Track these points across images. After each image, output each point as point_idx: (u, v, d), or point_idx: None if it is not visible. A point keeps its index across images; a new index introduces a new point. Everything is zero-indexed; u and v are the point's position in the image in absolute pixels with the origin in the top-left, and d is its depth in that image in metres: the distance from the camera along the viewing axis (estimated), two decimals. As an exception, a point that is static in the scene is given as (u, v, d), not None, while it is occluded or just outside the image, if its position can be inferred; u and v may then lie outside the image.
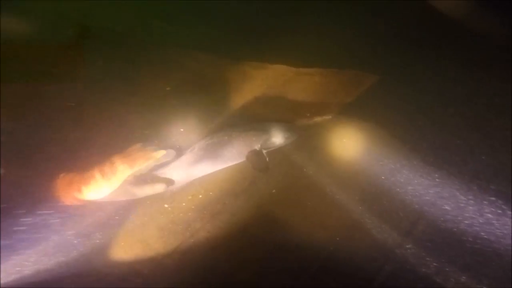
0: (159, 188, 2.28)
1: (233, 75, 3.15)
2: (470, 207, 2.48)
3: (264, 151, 2.53)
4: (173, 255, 2.03)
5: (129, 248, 2.07)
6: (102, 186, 2.00)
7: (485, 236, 2.29)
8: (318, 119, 2.86)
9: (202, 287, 1.96)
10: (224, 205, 2.30)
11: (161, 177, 2.34)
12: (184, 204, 2.32)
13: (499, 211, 2.41)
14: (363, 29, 3.61)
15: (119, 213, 2.22)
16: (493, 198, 2.47)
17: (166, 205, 2.28)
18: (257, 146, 2.52)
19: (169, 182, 2.36)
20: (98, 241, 2.04)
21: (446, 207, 2.49)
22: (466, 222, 2.40)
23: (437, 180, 2.58)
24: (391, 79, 3.09)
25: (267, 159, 2.51)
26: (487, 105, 3.00)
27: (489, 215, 2.40)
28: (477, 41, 3.19)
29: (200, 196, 2.37)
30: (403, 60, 3.29)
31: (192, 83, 3.05)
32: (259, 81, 3.10)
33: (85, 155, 2.25)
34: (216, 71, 3.15)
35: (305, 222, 2.31)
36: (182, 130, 2.69)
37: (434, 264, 2.22)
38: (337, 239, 2.28)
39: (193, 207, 2.29)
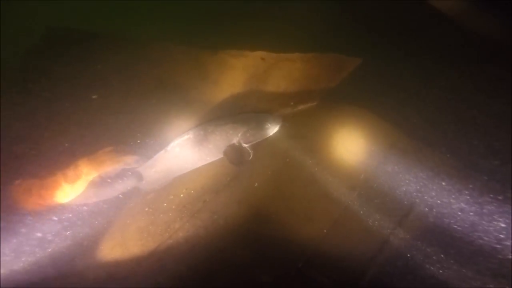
0: (128, 185, 2.25)
1: (212, 66, 3.02)
2: (464, 196, 2.37)
3: (244, 145, 2.45)
4: (150, 257, 1.98)
5: (108, 251, 2.03)
6: (66, 190, 1.97)
7: (479, 227, 2.18)
8: (302, 106, 2.74)
9: (180, 289, 1.91)
10: (205, 202, 2.23)
11: (130, 174, 2.30)
12: (165, 204, 2.26)
13: (492, 201, 2.30)
14: (343, 11, 3.49)
15: (102, 215, 2.20)
16: (486, 188, 2.37)
17: (146, 208, 2.23)
18: (235, 140, 2.44)
19: (138, 178, 2.32)
20: (78, 243, 2.02)
21: (437, 198, 2.40)
22: (458, 213, 2.30)
23: (429, 166, 2.47)
24: (374, 61, 2.93)
25: (250, 152, 2.44)
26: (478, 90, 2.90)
27: (483, 205, 2.29)
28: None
29: (182, 195, 2.31)
30: (384, 41, 3.16)
31: (169, 79, 2.95)
32: (239, 71, 2.97)
33: (46, 160, 2.23)
34: (193, 63, 3.03)
35: (290, 215, 2.22)
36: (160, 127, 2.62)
37: (425, 255, 2.14)
38: (324, 231, 2.20)
39: (173, 207, 2.23)
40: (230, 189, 2.30)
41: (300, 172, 2.41)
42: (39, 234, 1.95)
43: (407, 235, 2.24)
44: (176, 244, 2.01)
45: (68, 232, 2.04)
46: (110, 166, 2.07)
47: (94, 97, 2.77)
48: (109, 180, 2.14)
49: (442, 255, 2.18)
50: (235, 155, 2.35)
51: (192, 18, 3.52)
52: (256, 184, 2.32)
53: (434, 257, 2.17)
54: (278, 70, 2.90)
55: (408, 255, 2.18)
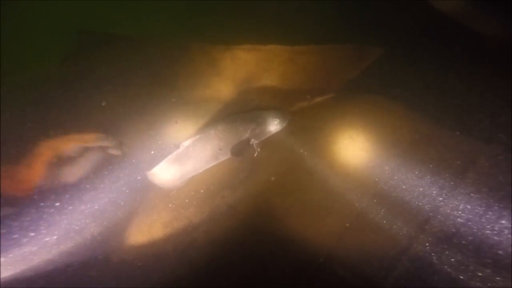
0: (95, 163, 2.40)
1: (226, 62, 3.08)
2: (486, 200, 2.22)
3: (254, 141, 2.48)
4: (174, 250, 2.12)
5: (137, 245, 2.20)
6: (30, 173, 2.12)
7: (499, 241, 2.06)
8: (319, 99, 2.72)
9: (201, 283, 2.04)
10: (223, 198, 2.33)
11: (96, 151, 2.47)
12: (187, 200, 2.38)
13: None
14: (362, 7, 3.33)
15: (125, 208, 2.38)
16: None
17: (170, 205, 2.38)
18: (245, 137, 2.48)
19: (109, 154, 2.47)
20: (101, 235, 2.22)
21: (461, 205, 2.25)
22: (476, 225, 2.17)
23: (455, 175, 2.32)
24: (396, 52, 2.83)
25: (258, 149, 2.48)
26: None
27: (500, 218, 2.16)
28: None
29: (202, 191, 2.42)
30: (407, 32, 3.00)
31: (181, 75, 3.04)
32: (253, 66, 3.00)
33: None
34: (207, 60, 3.10)
35: (307, 210, 2.25)
36: (172, 127, 2.74)
37: (446, 263, 2.07)
38: (346, 225, 2.18)
39: (194, 202, 2.35)
40: (247, 184, 2.37)
41: (318, 165, 2.42)
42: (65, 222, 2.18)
43: (432, 234, 2.16)
44: (197, 237, 2.14)
45: (93, 224, 2.25)
46: (70, 146, 2.20)
47: (103, 104, 2.92)
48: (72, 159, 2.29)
49: (465, 258, 2.09)
50: (238, 148, 2.42)
51: (204, 13, 3.54)
52: (273, 178, 2.37)
53: (458, 260, 2.10)
54: (293, 64, 2.88)
55: (433, 254, 2.11)
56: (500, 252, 2.03)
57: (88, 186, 2.36)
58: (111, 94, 3.03)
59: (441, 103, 2.67)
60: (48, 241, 2.11)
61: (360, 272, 2.07)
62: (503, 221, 2.12)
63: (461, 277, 2.00)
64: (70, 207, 2.26)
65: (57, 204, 2.22)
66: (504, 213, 2.14)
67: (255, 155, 2.42)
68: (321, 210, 2.25)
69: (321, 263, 2.08)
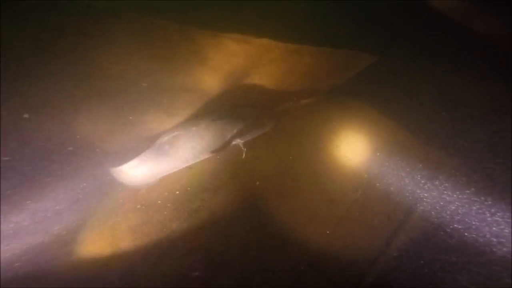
0: None
1: (211, 50, 2.81)
2: (466, 196, 2.33)
3: (239, 142, 2.30)
4: (145, 259, 1.84)
5: (98, 251, 1.87)
6: None
7: (481, 227, 2.16)
8: (305, 101, 2.60)
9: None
10: (203, 201, 2.09)
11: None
12: (159, 202, 2.11)
13: (494, 202, 2.27)
14: (361, 8, 3.31)
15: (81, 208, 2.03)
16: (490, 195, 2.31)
17: (138, 206, 2.07)
18: (229, 136, 2.29)
19: None
20: (61, 239, 1.86)
21: (439, 198, 2.35)
22: (460, 212, 2.26)
23: (432, 166, 2.42)
24: (387, 60, 2.82)
25: (244, 150, 2.30)
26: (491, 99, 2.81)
27: (485, 205, 2.26)
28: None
29: (177, 192, 2.15)
30: (400, 40, 3.00)
31: (163, 61, 2.71)
32: (241, 59, 2.77)
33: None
34: (190, 45, 2.80)
35: (292, 215, 2.13)
36: (144, 116, 2.43)
37: (428, 258, 2.10)
38: (327, 232, 2.12)
39: (169, 205, 2.08)
40: (230, 188, 2.17)
41: (303, 170, 2.31)
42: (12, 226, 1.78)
43: (410, 236, 2.19)
44: (173, 245, 1.88)
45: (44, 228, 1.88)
46: None
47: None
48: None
49: (445, 256, 2.15)
50: (229, 155, 2.22)
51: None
52: (258, 183, 2.20)
53: (437, 258, 2.15)
54: (284, 63, 2.71)
55: (411, 257, 2.14)
56: (486, 248, 2.11)
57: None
58: (70, 71, 2.60)
59: (421, 114, 2.72)
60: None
61: (340, 277, 2.02)
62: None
63: (443, 277, 2.05)
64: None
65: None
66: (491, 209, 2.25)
67: (243, 156, 2.23)
68: (305, 217, 2.16)
69: (303, 270, 1.98)
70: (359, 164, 2.42)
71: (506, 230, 2.16)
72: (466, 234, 2.19)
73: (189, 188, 2.16)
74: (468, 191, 2.34)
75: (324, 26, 2.96)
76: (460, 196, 2.33)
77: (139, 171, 2.15)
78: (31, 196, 1.90)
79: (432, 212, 2.29)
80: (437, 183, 2.39)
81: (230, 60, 2.73)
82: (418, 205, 2.30)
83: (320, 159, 2.38)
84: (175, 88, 2.64)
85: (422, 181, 2.40)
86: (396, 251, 2.16)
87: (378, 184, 2.37)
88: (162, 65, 2.76)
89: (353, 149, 2.49)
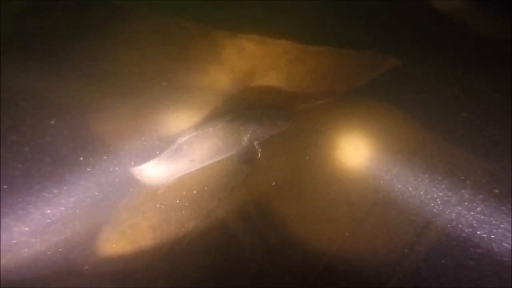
0: None
1: (229, 51, 2.82)
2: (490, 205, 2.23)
3: (254, 142, 2.30)
4: (166, 257, 1.89)
5: (120, 249, 1.94)
6: None
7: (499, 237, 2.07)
8: (322, 101, 2.56)
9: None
10: (220, 201, 2.12)
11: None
12: (177, 201, 2.15)
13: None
14: (381, 9, 3.17)
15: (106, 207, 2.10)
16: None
17: (158, 205, 2.13)
18: (245, 137, 2.29)
19: None
20: (82, 238, 1.94)
21: (467, 203, 2.25)
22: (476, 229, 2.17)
23: (462, 176, 2.31)
24: (409, 61, 2.72)
25: (259, 150, 2.30)
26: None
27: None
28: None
29: (195, 192, 2.19)
30: (422, 42, 2.87)
31: (182, 60, 2.74)
32: (258, 60, 2.77)
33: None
34: (209, 46, 2.82)
35: (310, 217, 2.11)
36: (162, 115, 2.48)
37: (452, 264, 2.03)
38: (346, 234, 2.08)
39: (186, 204, 2.12)
40: (246, 188, 2.18)
41: (321, 171, 2.28)
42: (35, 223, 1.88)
43: (434, 240, 2.13)
44: (191, 244, 1.92)
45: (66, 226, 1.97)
46: None
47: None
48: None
49: (470, 262, 2.08)
50: (245, 156, 2.23)
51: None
52: (274, 183, 2.20)
53: (462, 264, 2.07)
54: (303, 65, 2.66)
55: (434, 262, 2.08)
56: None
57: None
58: (90, 70, 2.69)
59: (445, 116, 2.62)
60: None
61: (360, 281, 1.99)
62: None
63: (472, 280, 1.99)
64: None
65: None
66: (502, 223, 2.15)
67: (259, 156, 2.23)
68: (322, 218, 2.13)
69: (321, 272, 1.96)
70: (378, 165, 2.36)
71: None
72: (492, 241, 2.11)
73: (206, 188, 2.20)
74: (493, 195, 2.24)
75: (345, 27, 2.88)
76: (485, 201, 2.23)
77: (158, 170, 2.20)
78: (53, 193, 1.99)
79: (457, 216, 2.21)
80: (461, 186, 2.30)
81: (248, 60, 2.74)
82: (442, 208, 2.22)
83: (338, 159, 2.34)
84: (193, 88, 2.68)
85: (445, 184, 2.32)
86: (419, 255, 2.10)
87: (399, 186, 2.30)
88: (181, 64, 2.80)
89: (372, 149, 2.43)
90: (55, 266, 1.81)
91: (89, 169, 2.20)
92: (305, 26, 2.88)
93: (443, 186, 2.30)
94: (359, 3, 3.10)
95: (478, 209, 2.21)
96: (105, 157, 2.28)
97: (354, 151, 2.42)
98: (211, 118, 2.41)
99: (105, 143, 2.35)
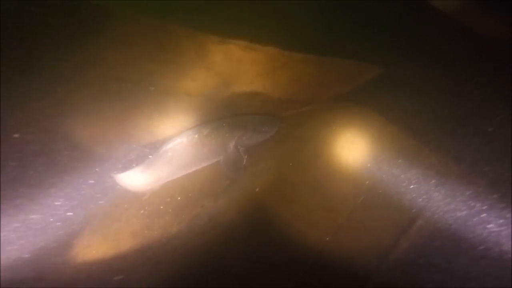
0: None
1: (218, 56, 2.84)
2: (469, 203, 2.30)
3: (240, 149, 2.32)
4: (146, 263, 1.92)
5: (101, 255, 1.95)
6: None
7: (486, 238, 2.13)
8: (307, 108, 2.60)
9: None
10: (203, 207, 2.14)
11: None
12: (161, 207, 2.17)
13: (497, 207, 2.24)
14: (367, 19, 3.18)
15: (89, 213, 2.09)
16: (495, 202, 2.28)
17: (142, 211, 2.14)
18: (231, 144, 2.31)
19: None
20: (63, 243, 1.94)
21: (443, 205, 2.32)
22: (463, 219, 2.24)
23: (439, 178, 2.37)
24: (396, 68, 2.75)
25: (245, 157, 2.33)
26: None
27: (490, 212, 2.23)
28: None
29: (179, 198, 2.21)
30: (410, 47, 2.86)
31: (163, 61, 2.73)
32: (246, 66, 2.79)
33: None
34: (197, 50, 2.82)
35: (292, 222, 2.15)
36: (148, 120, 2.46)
37: (433, 268, 2.09)
38: (326, 239, 2.13)
39: (170, 210, 2.14)
40: (230, 194, 2.20)
41: (303, 177, 2.32)
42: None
43: (413, 244, 2.18)
44: (172, 250, 1.94)
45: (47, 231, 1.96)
46: None
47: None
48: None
49: (447, 263, 2.14)
50: (232, 161, 2.25)
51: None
52: (257, 189, 2.23)
53: (441, 266, 2.13)
54: (289, 72, 2.68)
55: (414, 265, 2.14)
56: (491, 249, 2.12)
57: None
58: (75, 74, 2.67)
59: (429, 122, 2.67)
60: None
61: (341, 285, 2.06)
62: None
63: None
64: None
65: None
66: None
67: (244, 163, 2.26)
68: (304, 223, 2.18)
69: (302, 277, 2.01)
70: (361, 170, 2.41)
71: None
72: (472, 241, 2.17)
73: (190, 194, 2.22)
74: (473, 198, 2.30)
75: (332, 35, 2.89)
76: (466, 203, 2.29)
77: (143, 177, 2.21)
78: (34, 199, 1.99)
79: (437, 219, 2.27)
80: (442, 190, 2.36)
81: (236, 66, 2.76)
82: (422, 212, 2.28)
83: (321, 165, 2.39)
84: (180, 93, 2.69)
85: (426, 188, 2.37)
86: (398, 259, 2.15)
87: (380, 191, 2.36)
88: (169, 68, 2.81)
89: (355, 155, 2.48)
90: (33, 271, 1.82)
91: (73, 175, 2.21)
92: (294, 33, 2.87)
93: (425, 190, 2.35)
94: (348, 12, 3.12)
95: (460, 213, 2.27)
96: (89, 163, 2.28)
97: (337, 157, 2.46)
98: (196, 125, 2.43)
99: (90, 149, 2.36)
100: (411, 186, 2.38)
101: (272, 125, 2.44)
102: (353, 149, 2.51)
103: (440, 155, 2.49)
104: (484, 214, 2.22)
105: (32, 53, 2.74)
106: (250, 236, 2.05)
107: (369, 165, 2.43)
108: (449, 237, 2.20)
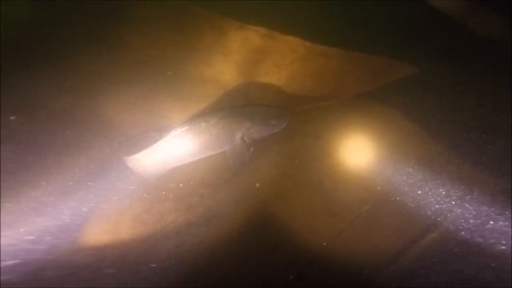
0: None
1: (236, 43, 2.76)
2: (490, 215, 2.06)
3: (247, 141, 2.27)
4: (138, 248, 1.95)
5: (99, 236, 2.00)
6: None
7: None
8: (321, 104, 2.44)
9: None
10: (202, 197, 2.15)
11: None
12: (163, 192, 2.20)
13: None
14: (401, 14, 2.90)
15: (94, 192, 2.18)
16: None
17: (145, 194, 2.20)
18: (238, 135, 2.26)
19: None
20: (67, 224, 2.00)
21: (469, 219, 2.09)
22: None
23: (463, 191, 2.14)
24: (425, 70, 2.53)
25: (251, 149, 2.28)
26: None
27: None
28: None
29: (181, 185, 2.23)
30: (440, 50, 2.65)
31: (183, 46, 2.69)
32: (263, 55, 2.68)
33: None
34: (216, 35, 2.76)
35: (290, 223, 2.06)
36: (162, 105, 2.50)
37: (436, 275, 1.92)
38: (323, 243, 2.03)
39: (171, 196, 2.17)
40: (229, 186, 2.18)
41: (308, 177, 2.21)
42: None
43: (416, 260, 2.00)
44: (165, 238, 1.97)
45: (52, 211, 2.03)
46: None
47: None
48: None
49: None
50: (236, 155, 2.21)
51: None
52: (258, 185, 2.18)
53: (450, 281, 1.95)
54: (308, 65, 2.53)
55: (413, 280, 1.97)
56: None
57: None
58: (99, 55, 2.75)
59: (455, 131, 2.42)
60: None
61: None
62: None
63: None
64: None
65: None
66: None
67: (249, 155, 2.22)
68: (302, 225, 2.07)
69: (291, 280, 1.94)
70: (373, 175, 2.25)
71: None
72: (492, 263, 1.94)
73: (192, 183, 2.23)
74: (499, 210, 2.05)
75: (358, 29, 2.67)
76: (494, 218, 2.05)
77: (150, 160, 2.26)
78: (42, 178, 2.11)
79: (452, 237, 2.06)
80: (464, 204, 2.13)
81: (253, 55, 2.67)
82: (436, 227, 2.08)
83: (329, 166, 2.26)
84: (195, 79, 2.69)
85: (448, 199, 2.16)
86: (400, 271, 2.01)
87: (392, 199, 2.18)
88: (187, 53, 2.81)
89: (369, 158, 2.31)
90: (40, 252, 1.90)
91: (86, 154, 2.32)
92: (317, 24, 2.72)
93: (445, 200, 2.13)
94: (371, 6, 2.85)
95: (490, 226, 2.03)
96: (104, 145, 2.39)
97: (348, 158, 2.31)
98: (205, 113, 2.41)
99: (107, 130, 2.45)
100: (428, 198, 2.18)
101: (282, 119, 2.34)
102: (367, 151, 2.34)
103: (467, 165, 2.25)
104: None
105: (56, 33, 2.86)
106: (244, 232, 2.01)
107: (385, 170, 2.26)
108: (463, 259, 1.99)
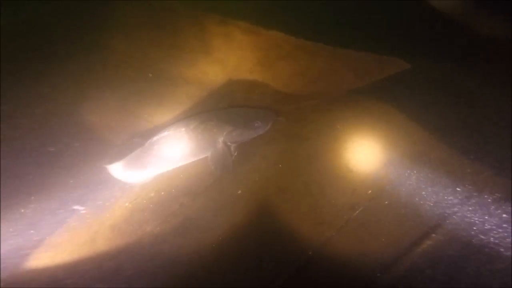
0: None
1: (217, 40, 2.62)
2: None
3: (230, 145, 2.17)
4: (113, 259, 1.88)
5: (77, 247, 1.94)
6: None
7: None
8: (311, 102, 2.29)
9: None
10: (181, 206, 2.06)
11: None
12: (144, 201, 2.12)
13: None
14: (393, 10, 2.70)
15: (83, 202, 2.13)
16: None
17: (127, 204, 2.13)
18: (220, 140, 2.16)
19: None
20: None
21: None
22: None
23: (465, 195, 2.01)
24: (418, 67, 2.38)
25: (234, 154, 2.17)
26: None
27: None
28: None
29: (162, 193, 2.14)
30: (433, 47, 2.48)
31: (164, 44, 2.55)
32: (247, 52, 2.54)
33: None
34: (197, 32, 2.62)
35: (273, 231, 1.97)
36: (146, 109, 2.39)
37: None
38: (309, 253, 1.93)
39: (151, 206, 2.09)
40: (209, 194, 2.08)
41: (293, 181, 2.10)
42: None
43: (411, 269, 1.88)
44: (140, 248, 1.90)
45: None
46: None
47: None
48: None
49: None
50: (218, 161, 2.11)
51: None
52: (240, 192, 2.08)
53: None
54: (294, 63, 2.38)
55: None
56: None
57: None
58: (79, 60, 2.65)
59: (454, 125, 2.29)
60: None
61: None
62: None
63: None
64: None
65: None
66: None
67: (232, 160, 2.12)
68: (287, 234, 1.98)
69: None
70: (365, 177, 2.12)
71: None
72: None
73: (173, 190, 2.14)
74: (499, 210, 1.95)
75: (342, 25, 2.48)
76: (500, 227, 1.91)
77: (132, 168, 2.19)
78: (25, 190, 2.07)
79: (451, 245, 1.92)
80: (466, 210, 1.99)
81: (236, 52, 2.54)
82: (435, 233, 1.95)
83: (316, 169, 2.13)
84: (178, 80, 2.58)
85: (445, 200, 2.02)
86: (395, 280, 1.89)
87: (386, 203, 2.06)
88: (168, 53, 2.69)
89: (360, 159, 2.18)
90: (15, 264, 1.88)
91: (68, 164, 2.25)
92: (302, 18, 2.56)
93: (446, 203, 2.01)
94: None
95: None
96: (86, 153, 2.29)
97: (338, 161, 2.18)
98: (185, 117, 2.31)
99: (88, 138, 2.37)
100: (424, 200, 2.04)
101: (266, 120, 2.22)
102: (358, 152, 2.20)
103: (466, 164, 2.09)
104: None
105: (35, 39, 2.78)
106: (224, 242, 1.92)
107: (375, 172, 2.13)
108: (462, 261, 1.86)
